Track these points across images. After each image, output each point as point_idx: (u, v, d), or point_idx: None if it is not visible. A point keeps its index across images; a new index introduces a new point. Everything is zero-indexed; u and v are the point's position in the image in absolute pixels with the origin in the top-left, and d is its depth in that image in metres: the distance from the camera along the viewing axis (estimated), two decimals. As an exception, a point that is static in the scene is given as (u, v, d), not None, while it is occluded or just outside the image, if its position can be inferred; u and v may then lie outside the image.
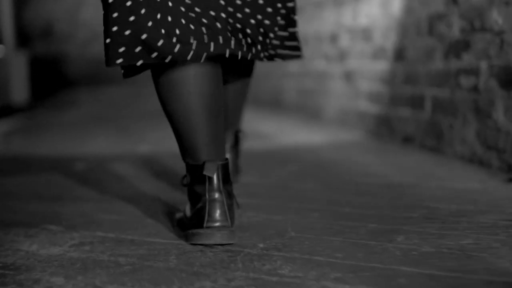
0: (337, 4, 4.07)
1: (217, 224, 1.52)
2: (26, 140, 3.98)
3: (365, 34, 3.67)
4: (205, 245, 1.54)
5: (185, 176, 1.59)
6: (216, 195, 1.52)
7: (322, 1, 4.35)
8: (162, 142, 3.47)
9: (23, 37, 9.81)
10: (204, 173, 1.52)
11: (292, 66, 5.07)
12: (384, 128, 3.46)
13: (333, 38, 4.17)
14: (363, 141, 3.48)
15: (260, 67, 5.03)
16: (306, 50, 4.72)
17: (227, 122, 1.95)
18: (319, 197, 2.07)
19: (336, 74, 4.15)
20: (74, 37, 10.19)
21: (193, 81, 1.54)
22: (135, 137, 3.94)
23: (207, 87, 1.55)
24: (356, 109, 3.83)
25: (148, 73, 1.65)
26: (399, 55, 3.27)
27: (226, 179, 1.55)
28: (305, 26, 4.73)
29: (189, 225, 1.58)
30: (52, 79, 9.79)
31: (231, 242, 1.52)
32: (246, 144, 3.38)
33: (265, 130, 4.11)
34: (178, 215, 1.73)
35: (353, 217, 1.78)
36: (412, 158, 2.85)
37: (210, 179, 1.52)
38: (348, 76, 3.94)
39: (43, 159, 3.08)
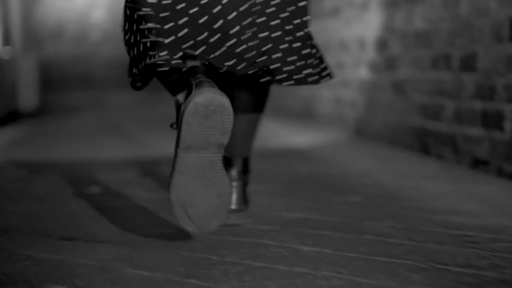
0: (385, 6, 3.60)
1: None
2: (31, 149, 3.52)
3: (422, 39, 3.20)
4: None
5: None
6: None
7: (365, 2, 3.89)
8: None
9: (32, 39, 9.38)
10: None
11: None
12: (447, 148, 2.99)
13: (380, 44, 3.70)
14: (422, 163, 3.01)
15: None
16: (345, 57, 4.24)
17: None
18: (414, 250, 1.60)
19: (383, 84, 3.68)
20: (85, 39, 9.76)
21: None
22: (145, 145, 3.48)
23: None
24: (409, 125, 3.36)
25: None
26: (468, 64, 2.80)
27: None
28: (343, 30, 4.26)
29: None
30: (62, 82, 9.35)
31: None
32: (286, 162, 2.88)
33: (300, 146, 3.64)
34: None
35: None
36: (493, 188, 2.37)
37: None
38: (398, 87, 3.47)
39: (51, 172, 2.64)
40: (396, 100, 3.49)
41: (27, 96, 6.32)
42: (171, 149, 3.37)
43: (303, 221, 1.90)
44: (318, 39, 4.71)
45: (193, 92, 1.50)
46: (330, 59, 4.49)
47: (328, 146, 3.73)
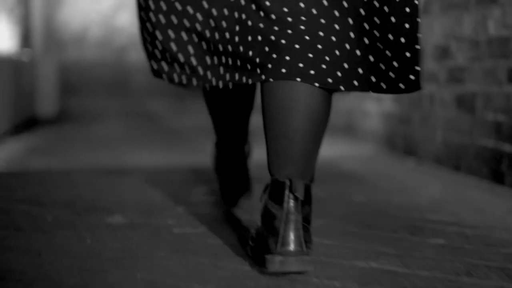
0: (449, 9, 3.17)
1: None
2: (47, 158, 3.13)
3: (497, 48, 2.76)
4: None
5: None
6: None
7: (425, 6, 3.46)
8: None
9: (54, 41, 9.04)
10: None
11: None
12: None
13: (441, 53, 3.27)
14: (497, 193, 2.57)
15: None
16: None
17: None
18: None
19: (444, 98, 3.24)
20: (109, 44, 9.41)
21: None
22: (170, 156, 3.08)
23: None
24: (477, 147, 2.93)
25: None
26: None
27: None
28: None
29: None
30: (84, 88, 9.00)
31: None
32: (335, 187, 2.45)
33: (347, 166, 3.22)
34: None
35: None
36: None
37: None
38: (464, 103, 3.04)
39: (66, 190, 2.24)
40: (461, 117, 3.06)
41: (47, 101, 5.95)
42: (201, 162, 2.97)
43: (385, 274, 1.47)
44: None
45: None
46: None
47: (379, 167, 3.30)
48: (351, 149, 4.01)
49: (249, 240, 1.59)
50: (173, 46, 1.63)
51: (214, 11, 1.56)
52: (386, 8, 1.45)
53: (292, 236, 1.42)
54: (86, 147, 4.02)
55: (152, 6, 1.64)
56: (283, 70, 1.46)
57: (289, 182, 1.45)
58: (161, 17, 1.63)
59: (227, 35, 1.54)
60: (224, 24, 1.55)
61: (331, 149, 3.87)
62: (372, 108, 4.24)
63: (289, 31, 1.47)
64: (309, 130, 1.49)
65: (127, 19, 9.35)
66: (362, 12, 1.47)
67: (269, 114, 1.50)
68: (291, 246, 1.41)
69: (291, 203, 1.44)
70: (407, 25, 1.44)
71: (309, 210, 1.53)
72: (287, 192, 1.44)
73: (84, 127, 5.53)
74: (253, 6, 1.50)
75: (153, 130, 5.27)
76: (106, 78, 9.28)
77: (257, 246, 1.52)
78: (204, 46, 1.59)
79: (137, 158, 3.46)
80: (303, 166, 1.50)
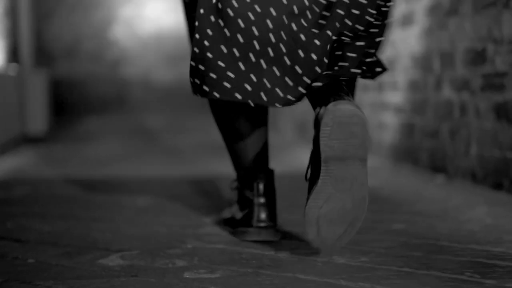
0: (484, 8, 2.81)
1: (263, 224, 1.79)
2: (33, 180, 2.77)
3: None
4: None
5: (235, 181, 1.92)
6: (262, 200, 1.79)
7: (453, 6, 3.11)
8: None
9: (45, 56, 8.68)
10: (256, 181, 1.80)
11: (394, 94, 3.82)
12: None
13: (475, 57, 2.91)
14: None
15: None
16: (421, 75, 3.47)
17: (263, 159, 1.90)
18: None
19: (479, 109, 2.88)
20: (102, 57, 9.06)
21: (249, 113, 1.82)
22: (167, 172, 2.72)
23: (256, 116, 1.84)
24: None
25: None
26: None
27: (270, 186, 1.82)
28: (417, 41, 3.49)
29: (238, 224, 1.86)
30: (77, 104, 8.64)
31: (276, 239, 1.80)
32: (368, 211, 2.08)
33: (372, 185, 2.86)
34: (225, 215, 2.03)
35: None
36: None
37: (259, 185, 1.79)
38: (504, 113, 2.68)
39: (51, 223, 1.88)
40: (501, 129, 2.70)
41: (36, 118, 5.57)
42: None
43: None
44: (383, 56, 3.94)
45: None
46: (401, 77, 3.71)
47: (405, 185, 2.94)
48: (368, 164, 3.65)
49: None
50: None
51: None
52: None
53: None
54: (79, 166, 3.65)
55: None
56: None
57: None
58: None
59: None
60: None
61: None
62: (390, 120, 3.88)
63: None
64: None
65: (120, 32, 9.01)
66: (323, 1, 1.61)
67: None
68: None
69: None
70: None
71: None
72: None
73: (77, 146, 5.16)
74: None
75: (152, 150, 4.90)
76: (99, 94, 8.92)
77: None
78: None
79: (135, 171, 3.10)
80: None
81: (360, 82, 4.30)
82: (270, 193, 1.80)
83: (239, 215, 1.88)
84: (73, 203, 2.51)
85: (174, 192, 2.73)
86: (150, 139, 5.73)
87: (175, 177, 3.21)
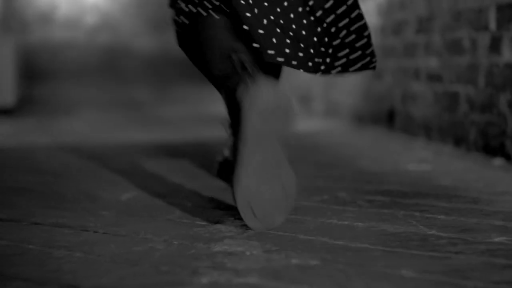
0: None
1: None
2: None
3: None
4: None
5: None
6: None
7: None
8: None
9: (16, 22, 7.95)
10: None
11: (427, 58, 3.18)
12: None
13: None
14: None
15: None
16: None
17: None
18: None
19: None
20: (80, 23, 8.35)
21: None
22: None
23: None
24: None
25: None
26: None
27: None
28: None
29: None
30: (52, 74, 7.93)
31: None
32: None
33: (446, 184, 2.23)
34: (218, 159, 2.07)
35: None
36: None
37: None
38: None
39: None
40: None
41: (3, 89, 4.89)
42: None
43: None
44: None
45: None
46: (437, 37, 3.07)
47: (467, 174, 2.32)
48: (422, 150, 3.03)
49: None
50: None
51: None
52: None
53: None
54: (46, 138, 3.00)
55: None
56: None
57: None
58: None
59: None
60: None
61: (399, 156, 2.89)
62: (421, 89, 3.24)
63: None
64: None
65: (99, -4, 8.31)
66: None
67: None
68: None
69: None
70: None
71: None
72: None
73: (49, 120, 4.49)
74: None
75: (135, 122, 4.24)
76: (77, 63, 8.22)
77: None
78: None
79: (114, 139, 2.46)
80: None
81: (383, 44, 3.67)
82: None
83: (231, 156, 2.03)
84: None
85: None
86: (132, 110, 5.07)
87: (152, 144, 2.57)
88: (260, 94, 1.47)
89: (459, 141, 2.90)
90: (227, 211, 1.70)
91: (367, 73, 3.92)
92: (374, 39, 3.83)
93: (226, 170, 2.06)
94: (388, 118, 3.65)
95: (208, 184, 2.08)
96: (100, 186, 2.06)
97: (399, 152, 2.84)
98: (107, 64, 8.30)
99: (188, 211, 1.70)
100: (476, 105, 2.77)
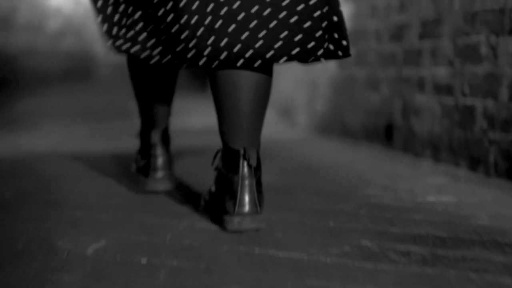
0: None
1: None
2: None
3: None
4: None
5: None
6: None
7: None
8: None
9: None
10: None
11: (434, 66, 2.81)
12: None
13: None
14: None
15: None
16: None
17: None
18: None
19: None
20: (42, 28, 7.90)
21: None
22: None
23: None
24: None
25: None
26: None
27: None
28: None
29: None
30: (11, 81, 7.45)
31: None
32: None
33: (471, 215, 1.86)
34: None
35: None
36: None
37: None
38: None
39: None
40: None
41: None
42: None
43: None
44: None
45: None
46: (446, 41, 2.71)
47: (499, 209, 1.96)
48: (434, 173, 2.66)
49: (202, 200, 1.83)
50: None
51: None
52: None
53: (247, 199, 1.57)
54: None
55: None
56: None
57: (243, 151, 1.59)
58: None
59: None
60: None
61: (412, 182, 2.52)
62: (426, 101, 2.87)
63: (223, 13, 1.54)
64: (253, 101, 1.61)
65: (63, 0, 7.86)
66: None
67: (219, 89, 1.61)
68: (247, 208, 1.58)
69: (246, 169, 1.58)
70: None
71: (260, 173, 1.62)
72: (241, 160, 1.59)
73: (6, 133, 4.05)
74: None
75: (99, 136, 3.82)
76: (39, 70, 7.75)
77: (212, 206, 1.76)
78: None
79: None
80: (253, 136, 1.62)
81: (378, 51, 3.30)
82: (166, 143, 2.07)
83: (140, 162, 2.14)
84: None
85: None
86: (97, 123, 4.65)
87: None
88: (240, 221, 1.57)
89: (475, 163, 2.54)
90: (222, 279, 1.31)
91: (359, 82, 3.55)
92: (367, 45, 3.46)
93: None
94: (385, 134, 3.28)
95: (196, 225, 1.69)
96: (58, 231, 1.65)
97: (408, 177, 2.46)
98: (72, 72, 7.85)
99: (176, 273, 1.31)
100: (497, 121, 2.41)
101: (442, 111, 2.78)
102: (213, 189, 1.74)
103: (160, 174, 2.03)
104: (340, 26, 1.61)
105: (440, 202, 2.00)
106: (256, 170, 1.60)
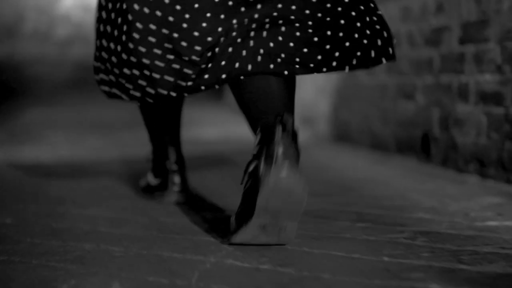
0: None
1: (177, 188, 2.08)
2: None
3: None
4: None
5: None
6: (175, 167, 2.04)
7: None
8: None
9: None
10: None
11: (479, 73, 2.54)
12: None
13: None
14: None
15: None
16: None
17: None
18: None
19: None
20: (50, 36, 7.68)
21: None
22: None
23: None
24: None
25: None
26: None
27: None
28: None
29: (155, 189, 2.13)
30: (18, 92, 7.21)
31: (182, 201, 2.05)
32: None
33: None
34: (142, 183, 2.23)
35: None
36: None
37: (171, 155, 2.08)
38: None
39: None
40: None
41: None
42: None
43: None
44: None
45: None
46: (492, 45, 2.44)
47: None
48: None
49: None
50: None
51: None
52: None
53: (286, 162, 1.41)
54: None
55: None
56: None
57: (280, 117, 1.45)
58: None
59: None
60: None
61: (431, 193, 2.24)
62: (469, 111, 2.60)
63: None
64: (283, 89, 1.56)
65: (71, 7, 7.64)
66: None
67: (247, 94, 1.56)
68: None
69: (281, 135, 1.43)
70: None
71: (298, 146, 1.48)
72: (277, 126, 1.43)
73: (11, 146, 3.81)
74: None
75: (112, 152, 3.58)
76: (46, 79, 7.53)
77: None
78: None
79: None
80: (287, 107, 1.56)
81: (410, 57, 3.04)
82: (181, 162, 2.13)
83: (154, 181, 2.16)
84: None
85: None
86: (107, 134, 4.40)
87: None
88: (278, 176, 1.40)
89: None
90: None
91: (390, 90, 3.29)
92: (399, 51, 3.19)
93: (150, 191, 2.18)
94: (421, 146, 3.01)
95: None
96: (63, 271, 1.39)
97: (457, 197, 2.20)
98: (81, 81, 7.62)
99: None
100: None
101: (489, 121, 2.51)
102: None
103: (177, 188, 2.09)
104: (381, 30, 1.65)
105: (505, 227, 1.74)
106: (294, 138, 1.45)
